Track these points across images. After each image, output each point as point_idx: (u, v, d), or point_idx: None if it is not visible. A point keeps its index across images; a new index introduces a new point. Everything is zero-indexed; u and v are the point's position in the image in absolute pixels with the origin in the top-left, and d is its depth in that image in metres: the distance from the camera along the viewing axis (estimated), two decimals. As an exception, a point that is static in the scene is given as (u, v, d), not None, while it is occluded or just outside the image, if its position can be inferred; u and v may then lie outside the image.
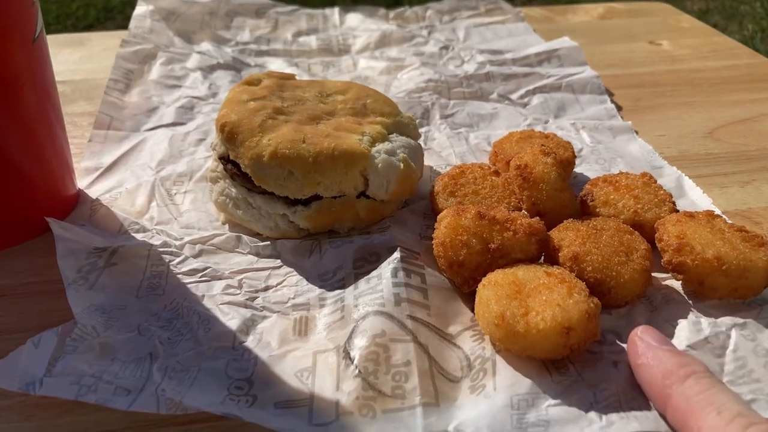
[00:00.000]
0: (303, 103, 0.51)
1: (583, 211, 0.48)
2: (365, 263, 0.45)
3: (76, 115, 0.66)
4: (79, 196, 0.52)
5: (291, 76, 0.56)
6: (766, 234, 0.48)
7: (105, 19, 2.51)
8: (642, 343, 0.35)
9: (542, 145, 0.48)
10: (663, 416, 0.34)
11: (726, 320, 0.39)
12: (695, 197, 0.52)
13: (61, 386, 0.34)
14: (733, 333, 0.38)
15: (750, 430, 0.28)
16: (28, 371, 0.35)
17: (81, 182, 0.54)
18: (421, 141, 0.60)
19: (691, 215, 0.44)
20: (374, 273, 0.43)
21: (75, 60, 0.78)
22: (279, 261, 0.46)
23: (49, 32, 0.48)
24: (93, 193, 0.52)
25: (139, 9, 0.80)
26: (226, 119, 0.48)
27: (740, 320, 0.39)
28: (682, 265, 0.41)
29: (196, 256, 0.46)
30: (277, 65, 0.76)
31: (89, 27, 2.42)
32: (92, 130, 0.60)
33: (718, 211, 0.50)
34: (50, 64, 0.48)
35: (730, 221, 0.44)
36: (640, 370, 0.35)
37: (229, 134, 0.47)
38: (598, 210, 0.47)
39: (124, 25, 0.78)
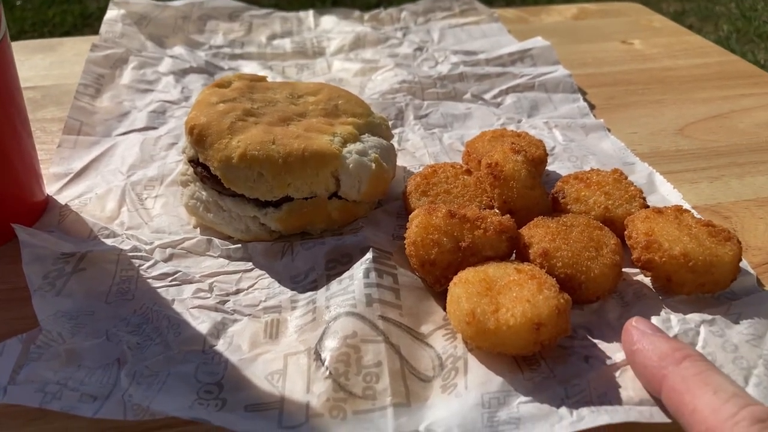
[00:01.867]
0: (273, 105, 0.51)
1: (555, 208, 0.48)
2: (337, 264, 0.44)
3: (46, 121, 0.65)
4: (48, 203, 0.51)
5: (262, 78, 0.56)
6: (733, 228, 0.49)
7: (82, 26, 2.49)
8: (636, 331, 0.36)
9: (513, 143, 0.48)
10: (656, 399, 0.34)
11: (695, 317, 0.39)
12: (666, 193, 0.53)
13: (25, 394, 0.34)
14: (702, 329, 0.38)
15: (746, 411, 0.29)
16: (-9, 379, 0.34)
17: (50, 188, 0.53)
18: (395, 142, 0.60)
19: (659, 211, 0.44)
20: (346, 274, 0.43)
21: (45, 65, 0.77)
22: (250, 264, 0.45)
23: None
24: (62, 198, 0.52)
25: (110, 13, 0.79)
26: (194, 122, 0.47)
27: (709, 316, 0.39)
28: (650, 262, 0.41)
29: (166, 260, 0.45)
30: (250, 68, 0.76)
31: (66, 34, 2.39)
32: (61, 136, 0.59)
33: (687, 206, 0.50)
34: (14, 68, 0.47)
35: (698, 216, 0.45)
36: (635, 356, 0.35)
37: (198, 137, 0.46)
38: (569, 207, 0.47)
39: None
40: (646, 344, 0.35)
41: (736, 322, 0.39)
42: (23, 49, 0.81)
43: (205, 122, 0.47)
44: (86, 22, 2.53)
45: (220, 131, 0.46)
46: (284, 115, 0.49)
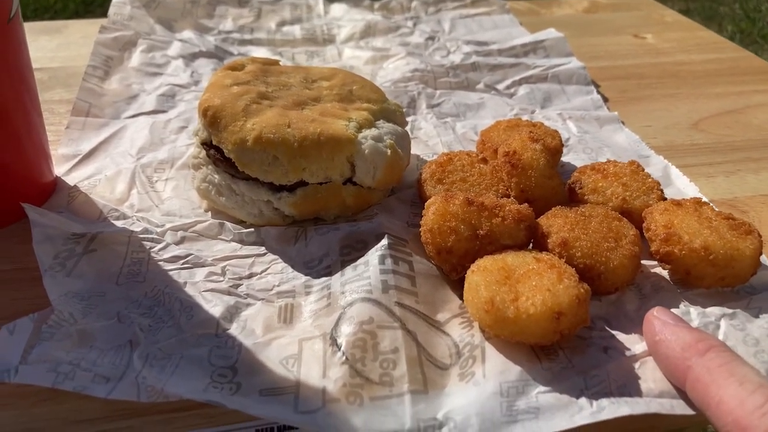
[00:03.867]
0: (288, 89, 0.50)
1: (572, 198, 0.47)
2: (352, 250, 0.44)
3: (53, 102, 0.64)
4: (57, 183, 0.51)
5: (275, 62, 0.55)
6: (751, 222, 0.49)
7: (84, 13, 2.47)
8: (658, 322, 0.35)
9: (530, 132, 0.47)
10: (679, 389, 0.34)
11: (715, 310, 0.39)
12: (682, 186, 0.52)
13: (37, 374, 0.33)
14: (723, 323, 0.38)
15: None
16: (3, 359, 0.34)
17: (58, 169, 0.52)
18: (407, 129, 0.59)
19: (678, 203, 0.44)
20: (361, 260, 0.42)
21: (52, 47, 0.76)
22: (263, 248, 0.45)
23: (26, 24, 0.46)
24: (71, 180, 0.51)
25: (119, -5, 0.78)
26: (208, 103, 0.46)
27: (729, 310, 0.39)
28: (669, 254, 0.41)
29: (178, 242, 0.45)
30: (260, 54, 0.75)
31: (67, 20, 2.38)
32: (70, 117, 0.58)
33: (705, 200, 0.50)
34: (26, 47, 0.46)
35: (716, 209, 0.44)
36: (658, 346, 0.35)
37: (212, 119, 0.46)
38: (586, 197, 0.46)
39: (103, 18, 0.77)
40: (668, 335, 0.34)
41: (757, 316, 0.39)
42: (29, 30, 0.80)
43: (219, 104, 0.46)
44: (88, 9, 2.51)
45: (235, 113, 0.45)
46: (299, 99, 0.49)
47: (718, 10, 2.77)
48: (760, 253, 0.40)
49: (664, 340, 0.34)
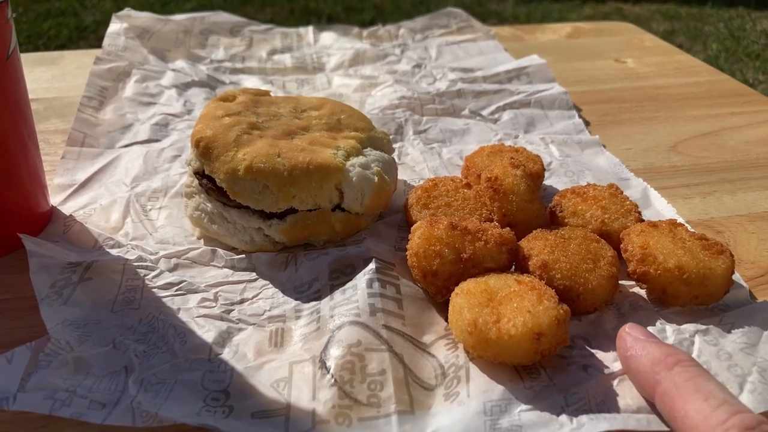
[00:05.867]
0: (278, 119, 0.52)
1: (553, 221, 0.49)
2: (341, 275, 0.45)
3: (49, 133, 0.66)
4: (53, 213, 0.52)
5: (266, 93, 0.57)
6: (726, 242, 0.50)
7: (78, 39, 2.50)
8: (630, 337, 0.37)
9: (512, 158, 0.49)
10: (650, 403, 0.35)
11: (689, 327, 0.40)
12: (660, 207, 0.54)
13: (34, 401, 0.34)
14: (697, 339, 0.39)
15: (736, 418, 0.30)
16: (1, 386, 0.35)
17: (54, 199, 0.54)
18: (395, 156, 0.61)
19: (654, 225, 0.45)
20: (350, 284, 0.43)
21: (48, 78, 0.78)
22: (254, 274, 0.46)
23: (20, 51, 0.48)
24: (67, 209, 0.52)
25: (113, 27, 0.80)
26: (201, 134, 0.48)
27: (703, 327, 0.40)
28: (645, 274, 0.42)
29: (171, 270, 0.46)
30: (251, 83, 0.77)
31: (61, 47, 2.40)
32: (65, 147, 0.60)
33: (681, 221, 0.51)
34: (24, 82, 0.48)
35: (692, 229, 0.46)
36: (629, 362, 0.36)
37: (204, 149, 0.47)
38: (566, 220, 0.48)
39: (97, 45, 0.78)
40: (639, 350, 0.36)
41: (729, 332, 0.40)
42: (25, 62, 0.80)
43: (211, 135, 0.48)
44: (81, 35, 2.54)
45: (226, 144, 0.47)
46: (288, 128, 0.50)
47: (703, 29, 2.83)
48: (732, 272, 0.42)
49: (634, 355, 0.36)
